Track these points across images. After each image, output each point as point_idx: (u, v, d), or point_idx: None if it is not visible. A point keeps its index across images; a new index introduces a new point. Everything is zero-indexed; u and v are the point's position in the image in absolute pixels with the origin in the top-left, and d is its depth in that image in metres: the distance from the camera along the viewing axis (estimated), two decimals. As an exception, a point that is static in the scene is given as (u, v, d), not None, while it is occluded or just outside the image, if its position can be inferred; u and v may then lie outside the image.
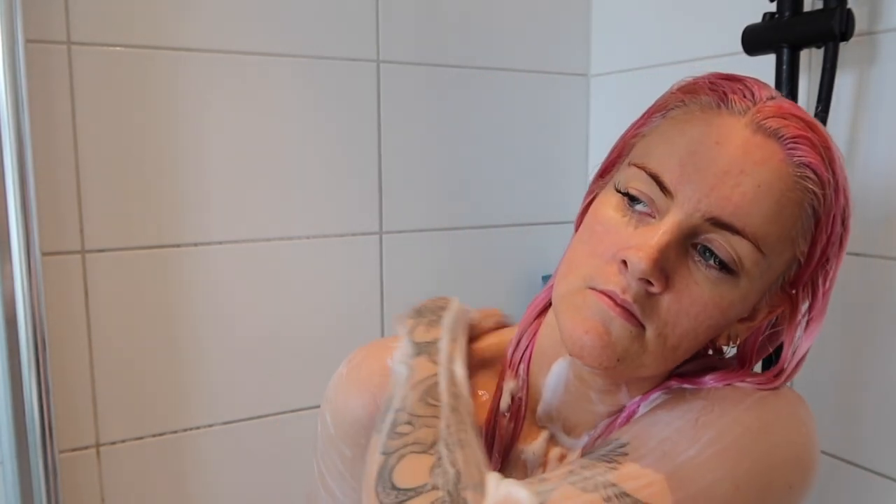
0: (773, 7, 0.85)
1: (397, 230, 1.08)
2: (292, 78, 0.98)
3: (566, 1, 1.19)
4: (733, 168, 0.47)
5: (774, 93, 0.52)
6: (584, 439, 0.58)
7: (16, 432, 0.78)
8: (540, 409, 0.59)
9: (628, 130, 0.56)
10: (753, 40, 0.87)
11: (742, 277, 0.48)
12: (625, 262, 0.47)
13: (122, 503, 0.93)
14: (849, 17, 0.78)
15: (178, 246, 0.93)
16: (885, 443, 0.83)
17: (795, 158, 0.48)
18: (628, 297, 0.48)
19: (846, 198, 0.51)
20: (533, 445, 0.59)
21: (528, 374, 0.60)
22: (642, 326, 0.49)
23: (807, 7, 0.83)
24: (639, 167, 0.50)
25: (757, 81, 0.53)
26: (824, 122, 0.81)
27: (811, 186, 0.48)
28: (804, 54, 0.86)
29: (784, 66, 0.84)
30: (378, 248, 1.07)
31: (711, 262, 0.48)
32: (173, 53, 0.91)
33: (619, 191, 0.51)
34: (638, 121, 0.56)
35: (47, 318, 0.80)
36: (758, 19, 0.86)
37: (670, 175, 0.48)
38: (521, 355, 0.61)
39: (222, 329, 0.97)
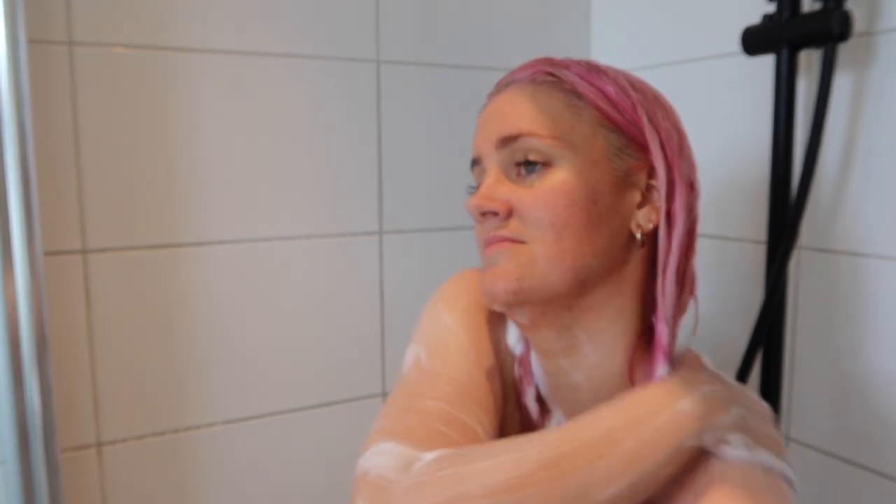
0: (772, 8, 0.85)
1: (397, 230, 1.08)
2: (292, 78, 0.99)
3: (566, 1, 1.19)
4: (494, 114, 0.61)
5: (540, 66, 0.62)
6: None
7: (17, 431, 0.79)
8: (543, 394, 0.64)
9: None
10: (753, 41, 0.87)
11: (556, 161, 0.57)
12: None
13: (124, 502, 0.93)
14: (847, 18, 0.78)
15: (179, 246, 0.94)
16: (885, 443, 0.83)
17: (525, 77, 0.61)
18: (493, 233, 0.58)
19: (595, 74, 0.59)
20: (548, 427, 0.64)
21: (528, 363, 0.66)
22: (522, 242, 0.57)
23: (805, 8, 0.84)
24: (470, 167, 0.64)
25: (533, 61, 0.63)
26: (822, 122, 0.81)
27: (548, 79, 0.59)
28: (803, 55, 0.86)
29: (783, 67, 0.84)
30: (378, 248, 1.07)
31: (527, 169, 0.58)
32: (174, 53, 0.91)
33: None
34: None
35: (49, 318, 0.80)
36: (757, 19, 0.87)
37: (474, 150, 0.62)
38: (527, 364, 0.66)
39: (223, 329, 0.97)
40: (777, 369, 0.88)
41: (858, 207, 0.84)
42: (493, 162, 0.59)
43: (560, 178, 0.56)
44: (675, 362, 0.59)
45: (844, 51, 0.82)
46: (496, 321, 0.67)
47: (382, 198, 1.07)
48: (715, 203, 1.00)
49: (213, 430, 0.98)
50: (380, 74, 1.05)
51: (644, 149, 0.58)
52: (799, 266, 0.91)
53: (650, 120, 0.58)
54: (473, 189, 0.63)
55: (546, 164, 0.57)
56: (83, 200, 0.88)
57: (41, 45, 0.83)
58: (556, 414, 0.64)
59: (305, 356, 1.03)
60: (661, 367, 0.57)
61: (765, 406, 0.59)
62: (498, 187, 0.58)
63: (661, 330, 0.57)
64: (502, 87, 0.62)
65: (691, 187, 0.60)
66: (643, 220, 0.58)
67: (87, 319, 0.89)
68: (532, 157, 0.57)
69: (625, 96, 0.58)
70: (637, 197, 0.59)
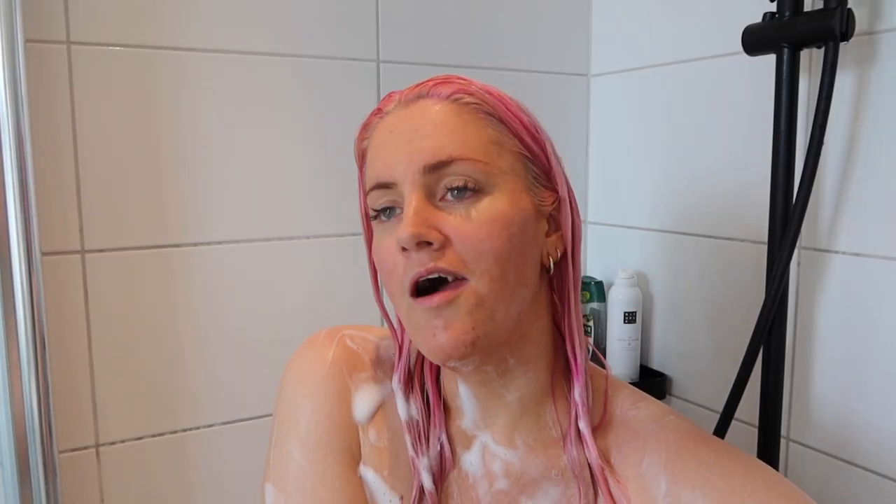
0: (773, 7, 0.85)
1: (397, 230, 1.08)
2: (292, 78, 0.98)
3: (567, 1, 1.19)
4: (410, 131, 0.55)
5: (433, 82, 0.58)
6: (519, 447, 0.60)
7: (15, 432, 0.78)
8: (467, 422, 0.62)
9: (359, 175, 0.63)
10: (753, 40, 0.87)
11: (489, 188, 0.54)
12: (403, 248, 0.53)
13: (122, 503, 0.93)
14: (849, 17, 0.78)
15: (178, 246, 0.93)
16: (885, 443, 0.83)
17: (443, 95, 0.56)
18: (430, 265, 0.53)
19: (508, 100, 0.58)
20: (470, 455, 0.62)
21: (437, 392, 0.63)
22: (463, 279, 0.53)
23: (807, 7, 0.83)
24: (369, 190, 0.57)
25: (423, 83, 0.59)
26: (824, 122, 0.81)
27: (469, 100, 0.56)
28: (804, 54, 0.86)
29: (784, 66, 0.84)
30: (378, 248, 1.07)
31: (458, 195, 0.54)
32: (173, 53, 0.91)
33: (371, 218, 0.59)
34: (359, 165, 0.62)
35: (47, 318, 0.80)
36: (758, 19, 0.86)
37: (383, 173, 0.56)
38: (408, 374, 0.64)
39: (222, 329, 0.97)
40: (778, 370, 0.88)
41: (860, 208, 0.84)
42: (417, 186, 0.54)
43: (497, 206, 0.54)
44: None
45: (846, 50, 0.82)
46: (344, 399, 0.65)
47: (382, 198, 1.07)
48: (716, 203, 1.00)
49: (211, 431, 0.98)
50: (380, 74, 1.04)
51: (549, 179, 0.58)
52: (800, 266, 0.91)
53: (553, 151, 0.58)
54: (376, 213, 0.57)
55: (479, 192, 0.54)
56: (81, 201, 0.87)
57: (39, 45, 0.83)
58: (482, 438, 0.62)
59: (305, 357, 1.03)
60: (580, 391, 0.59)
61: None
62: (428, 215, 0.53)
63: (579, 356, 0.59)
64: (409, 100, 0.57)
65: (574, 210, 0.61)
66: (552, 249, 0.59)
67: (85, 320, 0.89)
68: (469, 184, 0.54)
69: (534, 126, 0.58)
70: (545, 226, 0.59)
